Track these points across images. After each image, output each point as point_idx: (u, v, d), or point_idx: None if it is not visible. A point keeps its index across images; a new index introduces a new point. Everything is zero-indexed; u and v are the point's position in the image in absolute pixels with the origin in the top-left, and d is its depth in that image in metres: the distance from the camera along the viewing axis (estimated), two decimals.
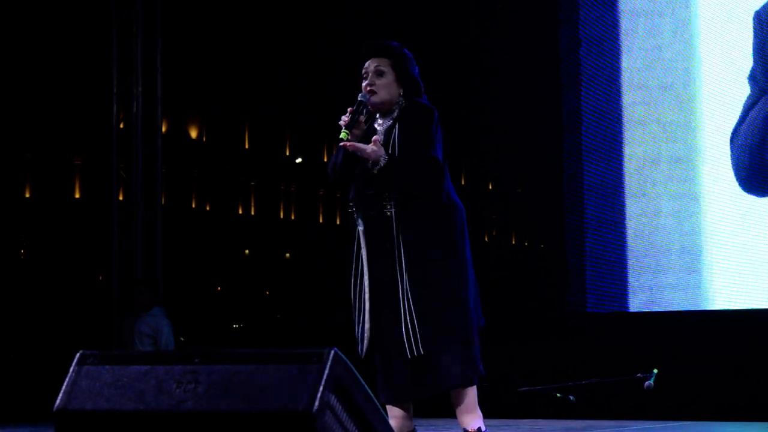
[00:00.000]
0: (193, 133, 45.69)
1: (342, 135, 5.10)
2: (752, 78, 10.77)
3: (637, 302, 11.75)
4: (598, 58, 12.21)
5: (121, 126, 12.90)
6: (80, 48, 40.42)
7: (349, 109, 5.13)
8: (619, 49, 11.97)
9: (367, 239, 5.19)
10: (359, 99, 5.17)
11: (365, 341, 5.17)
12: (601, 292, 12.07)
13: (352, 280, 5.23)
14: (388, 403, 5.21)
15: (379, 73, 5.24)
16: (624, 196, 11.79)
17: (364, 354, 5.20)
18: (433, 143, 5.08)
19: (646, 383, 7.28)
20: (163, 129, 13.69)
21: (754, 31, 10.87)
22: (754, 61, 10.81)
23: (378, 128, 5.27)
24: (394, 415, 5.24)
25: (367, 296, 5.17)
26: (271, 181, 48.63)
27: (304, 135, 47.90)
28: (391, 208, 5.08)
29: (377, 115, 5.30)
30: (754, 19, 10.87)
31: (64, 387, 3.92)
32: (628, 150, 11.69)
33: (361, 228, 5.20)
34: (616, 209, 11.88)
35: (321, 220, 51.31)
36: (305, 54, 40.40)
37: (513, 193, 33.05)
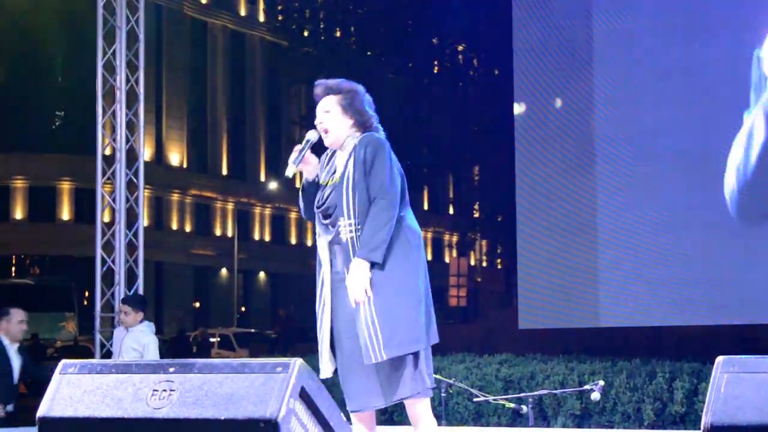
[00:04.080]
0: (174, 160, 45.60)
1: (288, 171, 5.15)
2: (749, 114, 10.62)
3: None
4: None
5: (107, 152, 12.92)
6: (67, 80, 40.37)
7: (296, 147, 5.17)
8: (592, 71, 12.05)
9: (326, 264, 5.23)
10: (306, 137, 5.22)
11: (325, 361, 5.21)
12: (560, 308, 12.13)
13: (317, 302, 5.27)
14: (352, 412, 5.23)
15: (326, 111, 5.27)
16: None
17: (324, 373, 5.21)
18: (385, 178, 5.10)
19: (593, 394, 7.30)
20: (147, 156, 13.66)
21: (752, 71, 10.71)
22: (752, 99, 10.65)
23: (337, 163, 5.28)
24: (358, 422, 5.26)
25: (326, 316, 5.21)
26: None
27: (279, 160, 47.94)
28: (347, 234, 5.10)
29: (336, 150, 5.32)
30: (754, 58, 10.71)
31: (47, 395, 3.91)
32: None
33: (321, 253, 5.24)
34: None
35: (294, 242, 51.31)
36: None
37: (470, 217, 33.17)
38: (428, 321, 5.20)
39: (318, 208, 5.26)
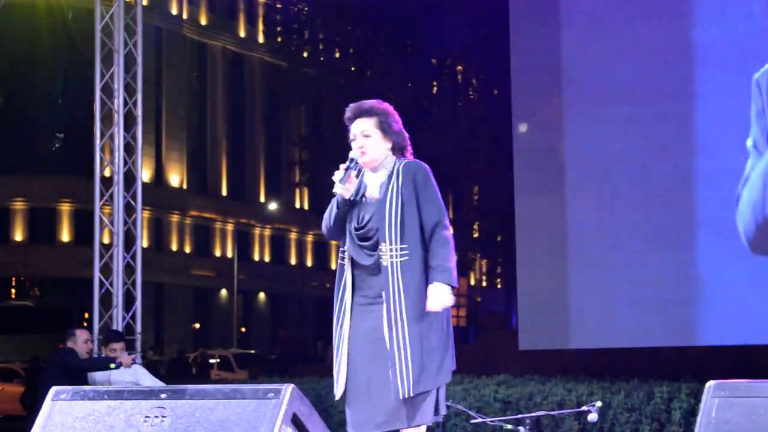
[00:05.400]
0: (174, 181, 45.61)
1: (336, 189, 5.14)
2: (754, 145, 10.55)
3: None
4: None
5: (106, 174, 12.94)
6: (67, 103, 40.42)
7: (342, 166, 5.16)
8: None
9: (355, 286, 5.21)
10: (351, 157, 5.21)
11: (340, 383, 5.16)
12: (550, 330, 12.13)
13: (335, 324, 5.23)
14: None
15: (366, 135, 5.26)
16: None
17: (339, 395, 5.18)
18: (441, 205, 5.19)
19: (590, 415, 7.28)
20: (147, 177, 13.67)
21: (752, 98, 10.65)
22: (753, 127, 10.61)
23: (368, 183, 5.28)
24: None
25: (346, 340, 5.18)
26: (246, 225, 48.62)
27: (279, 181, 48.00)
28: (389, 258, 5.08)
29: (365, 171, 5.31)
30: (753, 85, 10.65)
31: (38, 421, 3.90)
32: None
33: (350, 275, 5.22)
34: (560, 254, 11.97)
35: (293, 262, 51.25)
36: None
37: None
38: (452, 351, 5.20)
39: (357, 230, 5.23)
